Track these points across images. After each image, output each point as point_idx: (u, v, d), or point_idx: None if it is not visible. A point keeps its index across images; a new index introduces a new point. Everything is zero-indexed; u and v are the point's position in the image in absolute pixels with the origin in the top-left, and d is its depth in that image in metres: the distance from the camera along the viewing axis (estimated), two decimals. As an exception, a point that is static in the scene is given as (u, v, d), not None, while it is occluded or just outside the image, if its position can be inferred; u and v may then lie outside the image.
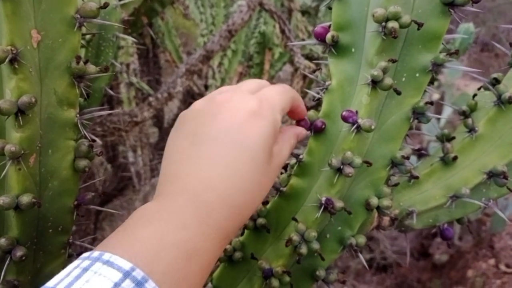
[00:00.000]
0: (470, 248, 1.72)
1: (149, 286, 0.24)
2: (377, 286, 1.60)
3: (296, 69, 1.08)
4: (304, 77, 1.10)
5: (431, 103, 0.38)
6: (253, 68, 1.16)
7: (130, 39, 0.60)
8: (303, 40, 1.08)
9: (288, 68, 1.23)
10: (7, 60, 0.28)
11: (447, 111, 1.72)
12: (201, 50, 0.95)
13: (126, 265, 0.24)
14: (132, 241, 0.26)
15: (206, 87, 1.18)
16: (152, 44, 1.18)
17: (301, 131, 0.39)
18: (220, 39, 0.94)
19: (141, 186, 1.06)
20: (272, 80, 1.21)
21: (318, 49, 1.12)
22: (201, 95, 1.22)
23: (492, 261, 1.71)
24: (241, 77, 1.17)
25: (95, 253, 0.25)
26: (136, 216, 0.28)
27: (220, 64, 1.19)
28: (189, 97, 1.19)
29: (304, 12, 1.12)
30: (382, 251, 1.52)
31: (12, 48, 0.28)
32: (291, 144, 0.36)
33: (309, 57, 1.09)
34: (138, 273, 0.24)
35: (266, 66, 1.14)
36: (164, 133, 1.21)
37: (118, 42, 0.64)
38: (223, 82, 1.18)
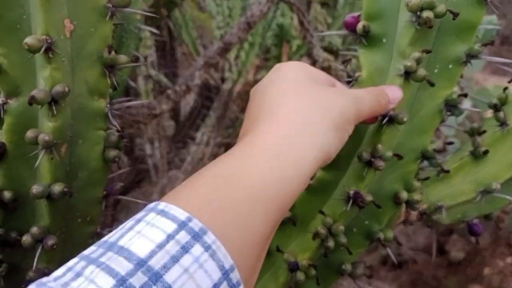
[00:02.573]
0: (487, 245, 1.70)
1: (208, 239, 0.21)
2: (392, 282, 1.59)
3: (314, 62, 1.07)
4: (323, 69, 1.08)
5: (465, 95, 0.37)
6: (270, 61, 1.15)
7: (152, 30, 0.60)
8: (321, 31, 1.07)
9: (306, 60, 1.22)
10: (42, 49, 0.28)
11: (466, 106, 1.69)
12: (219, 43, 0.94)
13: (182, 215, 0.22)
14: (191, 191, 0.24)
15: (223, 80, 1.18)
16: (169, 37, 1.18)
17: (393, 89, 0.35)
18: (239, 32, 0.94)
19: (159, 179, 1.07)
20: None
21: (337, 41, 1.11)
22: (217, 88, 1.22)
23: (509, 259, 1.68)
24: (258, 70, 1.16)
25: (151, 204, 0.23)
26: (200, 170, 0.26)
27: (237, 57, 1.18)
28: (206, 91, 1.19)
29: (323, 3, 1.11)
30: (397, 247, 1.51)
31: (47, 38, 0.29)
32: (372, 90, 0.34)
33: (328, 50, 1.08)
34: (196, 224, 0.21)
35: (284, 59, 1.13)
36: (180, 126, 1.21)
37: (140, 34, 0.64)
38: (239, 75, 1.18)
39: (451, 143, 0.41)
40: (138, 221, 0.22)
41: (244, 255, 0.23)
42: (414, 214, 0.43)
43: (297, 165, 0.26)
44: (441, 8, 0.34)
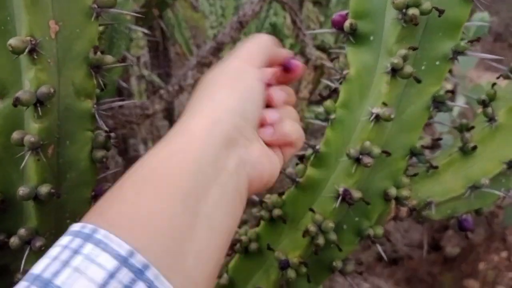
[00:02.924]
0: (482, 241, 1.71)
1: (151, 274, 0.21)
2: (388, 278, 1.59)
3: (307, 60, 1.07)
4: (315, 68, 1.08)
5: (452, 91, 0.37)
6: (263, 60, 1.15)
7: (142, 31, 0.60)
8: (313, 30, 1.07)
9: (298, 58, 1.23)
10: (26, 50, 0.28)
11: (460, 103, 1.70)
12: (211, 43, 0.94)
13: (124, 249, 0.21)
14: (127, 208, 0.23)
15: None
16: (162, 37, 1.18)
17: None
18: (231, 31, 0.94)
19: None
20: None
21: (330, 40, 1.11)
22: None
23: (504, 254, 1.70)
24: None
25: (86, 229, 0.22)
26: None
27: (230, 56, 1.18)
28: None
29: (316, 2, 1.11)
30: (393, 244, 1.51)
31: (31, 39, 0.28)
32: None
33: (320, 48, 1.08)
34: (138, 260, 0.21)
35: (277, 58, 1.13)
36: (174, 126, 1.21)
37: (131, 35, 0.63)
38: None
39: (439, 139, 0.41)
40: (75, 252, 0.21)
41: (147, 236, 0.22)
42: (404, 210, 0.43)
43: (187, 131, 0.27)
44: (426, 5, 0.34)
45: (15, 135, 0.30)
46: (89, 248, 0.21)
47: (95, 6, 0.31)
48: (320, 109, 0.41)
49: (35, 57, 0.29)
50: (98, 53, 0.32)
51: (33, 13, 0.29)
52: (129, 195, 0.24)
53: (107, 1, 0.31)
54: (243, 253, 0.42)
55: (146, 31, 0.59)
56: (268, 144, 0.31)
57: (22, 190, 0.31)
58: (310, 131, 1.24)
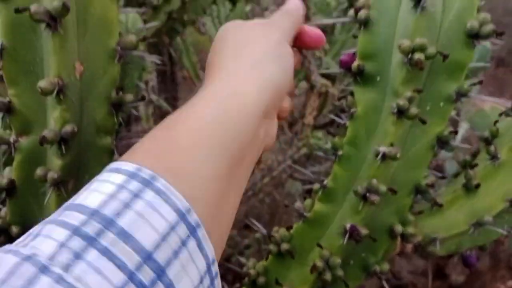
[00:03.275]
0: (488, 268, 1.69)
1: (159, 184, 0.21)
2: (391, 305, 1.57)
3: (312, 87, 1.09)
4: (320, 94, 1.10)
5: (456, 132, 0.38)
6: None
7: (154, 60, 0.62)
8: (320, 58, 1.09)
9: (303, 85, 1.25)
10: (54, 92, 0.29)
11: (463, 129, 1.71)
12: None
13: (131, 167, 0.22)
14: (140, 147, 0.25)
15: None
16: (170, 61, 1.21)
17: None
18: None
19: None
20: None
21: (335, 67, 1.13)
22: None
23: (510, 283, 1.68)
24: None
25: (145, 173, 0.22)
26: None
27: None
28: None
29: (321, 30, 1.14)
30: (397, 271, 1.50)
31: (59, 80, 0.30)
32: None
33: (325, 76, 1.10)
34: (145, 172, 0.22)
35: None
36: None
37: (144, 64, 0.66)
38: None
39: (444, 177, 0.43)
40: (91, 182, 0.23)
41: (199, 194, 0.23)
42: (409, 246, 0.44)
43: (239, 96, 0.28)
44: (431, 50, 0.36)
45: (39, 171, 0.32)
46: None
47: (119, 48, 0.33)
48: (324, 139, 0.42)
49: (61, 97, 0.31)
50: (120, 93, 0.34)
51: (61, 55, 0.31)
52: (185, 145, 0.24)
53: (129, 44, 0.33)
54: (251, 286, 0.43)
55: (158, 61, 0.61)
56: None
57: (42, 223, 0.32)
58: (314, 156, 1.25)
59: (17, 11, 0.29)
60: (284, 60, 0.32)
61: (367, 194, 0.38)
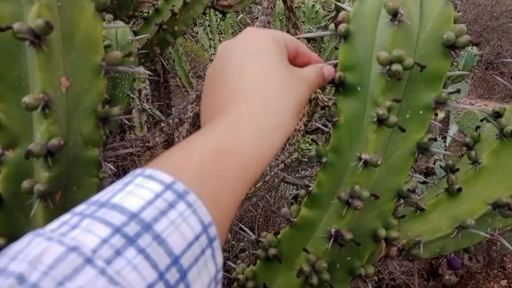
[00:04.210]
0: (481, 268, 1.70)
1: (190, 198, 0.24)
2: (387, 308, 1.58)
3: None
4: (310, 101, 1.12)
5: (435, 139, 0.39)
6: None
7: (145, 72, 0.63)
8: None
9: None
10: (39, 108, 0.30)
11: (452, 131, 1.73)
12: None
13: (168, 178, 0.24)
14: (178, 160, 0.26)
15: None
16: (162, 70, 1.22)
17: (329, 69, 0.39)
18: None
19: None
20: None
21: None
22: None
23: (504, 282, 1.69)
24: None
25: (137, 170, 0.25)
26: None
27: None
28: (198, 121, 1.22)
29: (310, 39, 1.16)
30: (391, 272, 1.51)
31: (44, 96, 0.31)
32: (317, 72, 0.37)
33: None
34: (179, 186, 0.24)
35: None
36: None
37: (134, 75, 0.66)
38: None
39: (425, 182, 0.44)
40: (127, 184, 0.24)
41: (221, 215, 0.26)
42: (394, 250, 0.45)
43: (269, 140, 0.30)
44: (409, 61, 0.37)
45: (25, 184, 0.32)
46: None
47: (104, 63, 0.34)
48: (313, 145, 0.43)
49: (47, 112, 0.31)
50: (106, 106, 0.34)
51: (46, 71, 0.32)
52: (219, 169, 0.27)
53: (115, 60, 0.34)
54: (240, 291, 0.44)
55: (149, 72, 0.62)
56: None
57: (30, 235, 0.33)
58: (306, 161, 1.26)
59: (1, 29, 0.30)
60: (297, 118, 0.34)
61: (350, 200, 0.38)
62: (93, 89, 0.34)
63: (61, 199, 0.35)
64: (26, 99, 0.31)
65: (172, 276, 0.22)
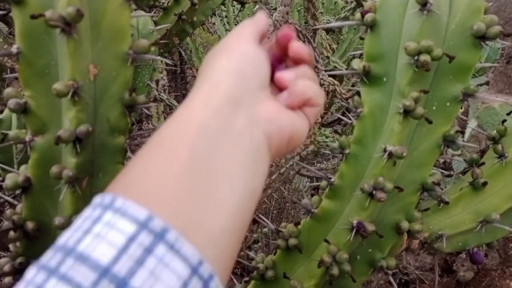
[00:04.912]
0: (496, 265, 1.68)
1: (171, 236, 0.20)
2: (400, 302, 1.57)
3: (320, 86, 1.09)
4: (328, 93, 1.11)
5: (462, 132, 0.39)
6: (277, 83, 1.17)
7: (164, 61, 0.63)
8: (327, 57, 1.10)
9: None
10: (69, 94, 0.31)
11: (472, 126, 1.70)
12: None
13: (142, 214, 0.21)
14: (145, 179, 0.22)
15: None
16: (179, 61, 1.22)
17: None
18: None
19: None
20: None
21: (343, 66, 1.13)
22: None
23: (519, 280, 1.66)
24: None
25: (106, 199, 0.22)
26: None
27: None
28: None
29: (328, 30, 1.14)
30: (405, 267, 1.50)
31: (74, 83, 0.31)
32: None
33: (332, 74, 1.11)
34: (157, 223, 0.20)
35: (291, 82, 1.15)
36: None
37: (154, 64, 0.67)
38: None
39: (450, 175, 0.43)
40: (95, 221, 0.21)
41: (213, 243, 0.22)
42: (416, 242, 0.44)
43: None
44: (437, 51, 0.36)
45: (54, 169, 0.33)
46: (108, 216, 0.21)
47: (131, 52, 0.34)
48: (331, 136, 0.43)
49: (76, 99, 0.32)
50: (133, 94, 0.35)
51: (75, 59, 0.32)
52: (140, 163, 0.24)
53: (142, 48, 0.34)
54: (260, 280, 0.44)
55: (169, 61, 0.62)
56: (290, 108, 0.30)
57: (58, 220, 0.34)
58: (321, 153, 1.26)
59: (33, 17, 0.30)
60: (242, 49, 0.29)
61: (374, 192, 0.38)
62: (120, 77, 0.34)
63: (88, 185, 0.36)
64: (57, 85, 0.31)
65: None
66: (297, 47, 0.31)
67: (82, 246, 0.20)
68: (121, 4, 0.34)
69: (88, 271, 0.19)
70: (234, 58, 0.29)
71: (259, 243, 0.97)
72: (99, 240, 0.20)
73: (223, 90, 0.27)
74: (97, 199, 0.22)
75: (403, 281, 1.60)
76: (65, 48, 0.32)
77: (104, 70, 0.34)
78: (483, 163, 0.44)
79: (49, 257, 0.20)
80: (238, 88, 0.28)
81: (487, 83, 0.39)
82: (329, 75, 1.01)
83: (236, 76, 0.28)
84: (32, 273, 0.20)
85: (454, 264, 1.75)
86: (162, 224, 0.21)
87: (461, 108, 0.42)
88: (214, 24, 1.36)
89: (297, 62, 0.32)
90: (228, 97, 0.27)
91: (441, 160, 0.50)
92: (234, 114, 0.27)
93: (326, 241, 0.41)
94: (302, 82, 0.31)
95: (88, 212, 0.22)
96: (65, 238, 0.21)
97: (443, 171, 0.45)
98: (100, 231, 0.20)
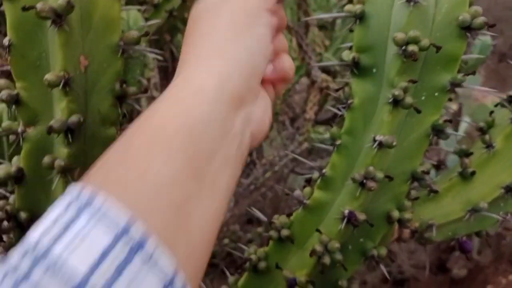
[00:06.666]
0: (490, 263, 1.69)
1: (149, 247, 0.20)
2: (394, 299, 1.58)
3: (312, 82, 1.10)
4: (321, 90, 1.12)
5: (450, 120, 0.39)
6: (270, 81, 1.18)
7: (156, 57, 0.63)
8: (320, 54, 1.10)
9: (304, 80, 1.26)
10: (61, 85, 0.31)
11: (464, 123, 1.71)
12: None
13: (122, 219, 0.19)
14: (123, 172, 0.22)
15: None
16: (171, 58, 1.22)
17: None
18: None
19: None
20: (288, 92, 1.24)
21: (336, 62, 1.14)
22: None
23: (512, 276, 1.68)
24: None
25: (84, 194, 0.21)
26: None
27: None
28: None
29: (321, 26, 1.15)
30: (399, 265, 1.51)
31: (65, 74, 0.31)
32: None
33: (325, 71, 1.11)
34: (136, 231, 0.19)
35: (284, 80, 1.16)
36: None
37: (145, 61, 0.67)
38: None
39: (439, 165, 0.44)
40: (73, 220, 0.20)
41: (191, 250, 0.22)
42: (406, 232, 0.45)
43: (199, 94, 0.25)
44: (424, 42, 0.37)
45: (46, 159, 0.33)
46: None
47: (122, 43, 0.34)
48: (325, 133, 0.43)
49: (67, 89, 0.32)
50: (123, 85, 0.35)
51: (67, 50, 0.32)
52: (135, 160, 0.23)
53: (132, 39, 0.34)
54: (252, 271, 0.44)
55: (160, 57, 0.62)
56: (266, 84, 0.29)
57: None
58: (315, 150, 1.26)
59: (24, 9, 0.30)
60: (255, 34, 0.28)
61: (365, 181, 0.39)
62: (111, 68, 0.35)
63: (80, 176, 0.36)
64: (48, 76, 0.31)
65: None
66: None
67: (58, 251, 0.19)
68: (111, -5, 0.34)
69: (62, 285, 0.18)
70: (246, 43, 0.27)
71: (253, 243, 0.97)
72: (75, 246, 0.19)
73: (234, 87, 0.26)
74: (74, 192, 0.21)
75: (398, 278, 1.61)
76: (56, 39, 0.32)
77: (95, 62, 0.34)
78: (471, 153, 0.45)
79: (17, 258, 0.19)
80: (246, 86, 0.26)
81: (473, 73, 0.40)
82: (322, 71, 1.02)
83: (247, 72, 0.27)
84: None
85: (448, 262, 1.77)
86: (142, 233, 0.20)
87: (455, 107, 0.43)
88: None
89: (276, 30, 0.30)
90: (235, 97, 0.26)
91: (436, 158, 0.51)
92: (235, 116, 0.26)
93: (318, 231, 0.41)
94: (286, 58, 0.30)
95: (61, 210, 0.20)
96: (40, 231, 0.20)
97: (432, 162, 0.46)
98: (77, 234, 0.19)
